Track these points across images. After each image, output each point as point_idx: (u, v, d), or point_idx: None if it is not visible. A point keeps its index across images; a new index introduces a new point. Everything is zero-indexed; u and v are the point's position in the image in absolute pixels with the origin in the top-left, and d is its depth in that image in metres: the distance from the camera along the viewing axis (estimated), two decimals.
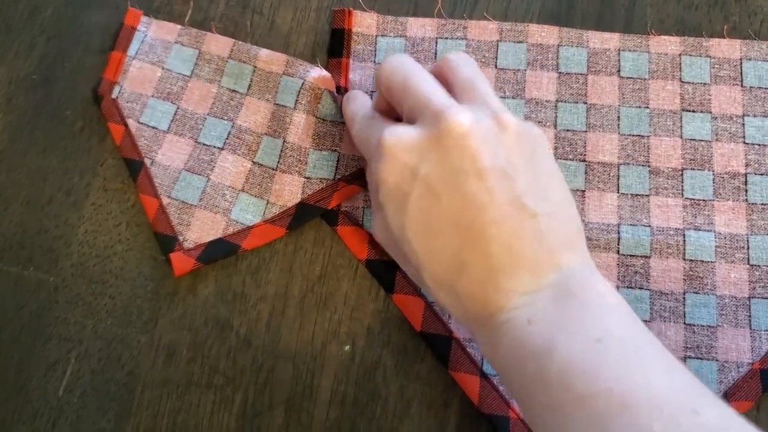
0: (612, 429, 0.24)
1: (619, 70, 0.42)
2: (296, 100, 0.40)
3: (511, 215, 0.29)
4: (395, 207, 0.31)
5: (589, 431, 0.24)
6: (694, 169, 0.40)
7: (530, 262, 0.28)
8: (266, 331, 0.37)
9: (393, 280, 0.38)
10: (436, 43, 0.43)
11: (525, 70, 0.42)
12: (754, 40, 0.42)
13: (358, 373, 0.37)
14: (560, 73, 0.42)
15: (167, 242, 0.39)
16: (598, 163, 0.40)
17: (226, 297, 0.38)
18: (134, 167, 0.40)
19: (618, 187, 0.39)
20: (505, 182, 0.29)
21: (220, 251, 0.38)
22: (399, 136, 0.31)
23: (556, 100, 0.41)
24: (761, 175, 0.39)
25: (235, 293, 0.38)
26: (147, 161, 0.40)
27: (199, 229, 0.39)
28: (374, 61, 0.42)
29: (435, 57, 0.42)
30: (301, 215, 0.39)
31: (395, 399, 0.36)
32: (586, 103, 0.41)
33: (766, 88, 0.41)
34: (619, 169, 0.40)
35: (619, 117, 0.41)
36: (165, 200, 0.39)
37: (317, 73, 0.41)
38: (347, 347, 0.37)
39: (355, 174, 0.39)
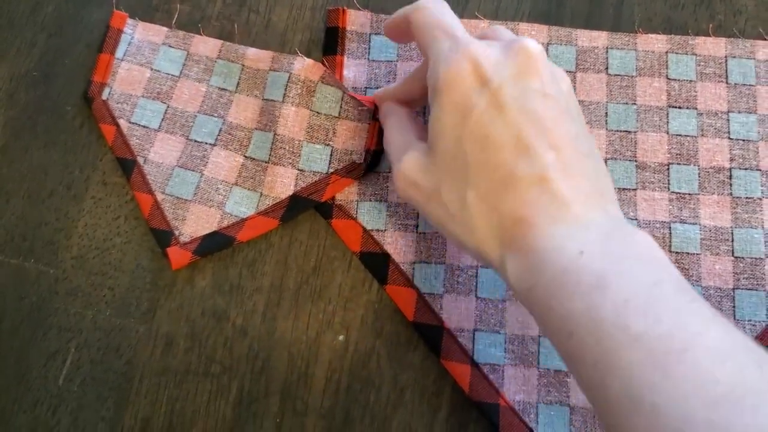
0: (671, 371, 0.23)
1: (607, 68, 0.43)
2: (284, 94, 0.41)
3: (569, 146, 0.29)
4: (456, 118, 0.30)
5: (644, 372, 0.23)
6: (680, 163, 0.41)
7: (584, 196, 0.28)
8: (262, 322, 0.38)
9: (386, 271, 0.39)
10: None
11: None
12: (739, 39, 0.43)
13: (352, 362, 0.38)
14: None
15: (163, 237, 0.39)
16: None
17: (222, 288, 0.39)
18: (127, 166, 0.41)
19: None
20: (565, 116, 0.30)
21: (215, 244, 0.39)
22: (479, 46, 0.30)
23: None
24: (745, 169, 0.40)
25: (231, 285, 0.39)
26: (140, 159, 0.41)
27: (195, 223, 0.40)
28: (368, 59, 0.43)
29: None
30: (294, 207, 0.40)
31: (388, 387, 0.37)
32: None
33: (750, 85, 0.42)
34: (606, 164, 0.41)
35: (606, 113, 0.42)
36: (159, 196, 0.40)
37: (301, 63, 0.41)
38: (341, 337, 0.38)
39: (348, 167, 0.40)
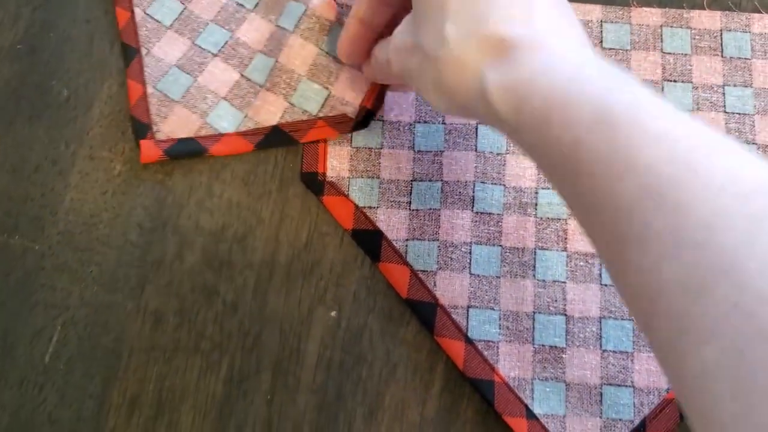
0: (697, 167, 0.21)
1: (601, 41, 0.42)
2: (296, 25, 0.41)
3: None
4: None
5: (666, 169, 0.21)
6: None
7: (574, 24, 0.28)
8: (253, 298, 0.38)
9: (379, 249, 0.39)
10: None
11: None
12: (734, 12, 0.42)
13: (345, 337, 0.37)
14: None
15: (141, 129, 0.40)
16: None
17: (212, 264, 0.38)
18: (130, 53, 0.42)
19: None
20: None
21: (188, 150, 0.40)
22: None
23: None
24: (742, 143, 0.40)
25: (221, 261, 0.38)
26: (143, 50, 0.42)
27: (174, 124, 0.40)
28: None
29: None
30: (272, 138, 0.40)
31: (381, 363, 0.37)
32: None
33: (745, 59, 0.41)
34: None
35: None
36: (149, 89, 0.41)
37: (320, 0, 0.41)
38: (333, 313, 0.37)
39: (338, 118, 0.40)
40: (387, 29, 0.36)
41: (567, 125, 0.24)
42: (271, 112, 0.40)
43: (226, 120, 0.40)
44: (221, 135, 0.40)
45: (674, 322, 0.21)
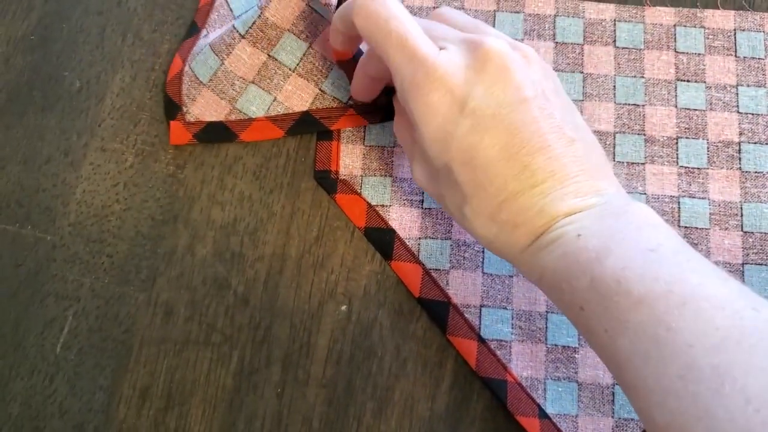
0: (673, 325, 0.24)
1: (614, 41, 0.42)
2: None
3: (555, 142, 0.29)
4: (440, 147, 0.30)
5: (649, 332, 0.24)
6: (688, 137, 0.40)
7: (575, 185, 0.29)
8: (264, 291, 0.38)
9: (391, 247, 0.38)
10: None
11: (522, 40, 0.42)
12: (748, 11, 0.42)
13: (355, 332, 0.37)
14: (557, 43, 0.42)
15: (172, 108, 0.40)
16: (595, 131, 0.40)
17: (224, 256, 0.38)
18: (192, 30, 0.42)
19: (614, 155, 0.40)
20: (545, 112, 0.29)
21: (218, 134, 0.40)
22: (443, 65, 0.29)
23: (553, 70, 0.41)
24: (755, 143, 0.40)
25: (233, 253, 0.38)
26: (204, 32, 0.41)
27: (203, 107, 0.40)
28: None
29: None
30: (303, 124, 0.40)
31: (391, 357, 0.37)
32: (582, 72, 0.41)
33: (759, 59, 0.41)
34: (615, 138, 0.40)
35: (614, 86, 0.41)
36: (186, 68, 0.40)
37: None
38: (344, 307, 0.37)
39: (369, 107, 0.40)
40: None
41: (573, 294, 0.28)
42: (302, 98, 0.39)
43: (255, 104, 0.40)
44: (251, 120, 0.40)
45: None
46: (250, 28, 0.39)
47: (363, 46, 0.39)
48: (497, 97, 0.29)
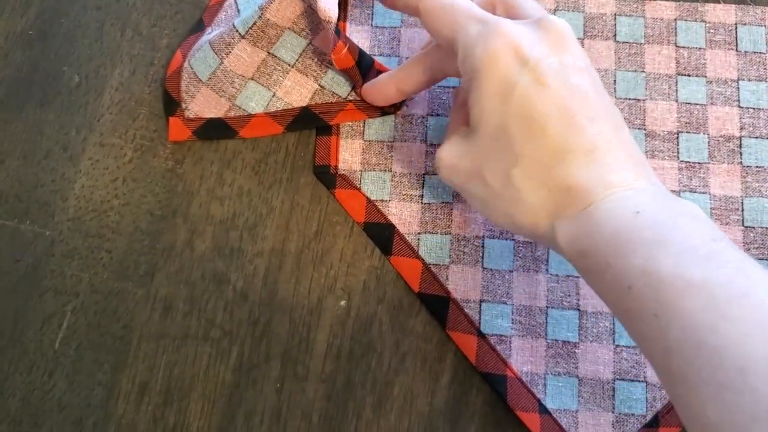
0: (733, 314, 0.23)
1: (615, 35, 0.42)
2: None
3: (609, 119, 0.29)
4: (499, 100, 0.30)
5: (705, 317, 0.23)
6: (689, 132, 0.40)
7: (630, 164, 0.29)
8: (263, 286, 0.37)
9: (391, 242, 0.38)
10: None
11: None
12: (749, 5, 0.42)
13: (354, 327, 0.37)
14: None
15: (171, 105, 0.40)
16: None
17: (223, 252, 0.38)
18: (198, 26, 0.42)
19: None
20: (599, 89, 0.30)
21: (217, 131, 0.39)
22: (511, 25, 0.30)
23: None
24: (756, 138, 0.40)
25: (232, 248, 0.38)
26: (208, 30, 0.41)
27: (202, 104, 0.39)
28: (371, 25, 0.42)
29: None
30: (302, 120, 0.39)
31: (390, 353, 0.36)
32: None
33: (760, 53, 0.41)
34: None
35: (615, 81, 0.41)
36: (185, 63, 0.40)
37: None
38: (343, 302, 0.37)
39: (367, 103, 0.39)
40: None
41: (622, 272, 0.26)
42: (301, 94, 0.39)
43: (254, 100, 0.39)
44: (251, 116, 0.39)
45: None
46: (251, 28, 0.38)
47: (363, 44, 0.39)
48: (559, 59, 0.30)
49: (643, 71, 0.41)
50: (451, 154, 0.33)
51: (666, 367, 0.25)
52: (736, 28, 0.42)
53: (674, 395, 0.25)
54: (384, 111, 0.40)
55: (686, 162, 0.39)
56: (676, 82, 0.41)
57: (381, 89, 0.37)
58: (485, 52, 0.30)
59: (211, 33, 0.40)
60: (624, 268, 0.26)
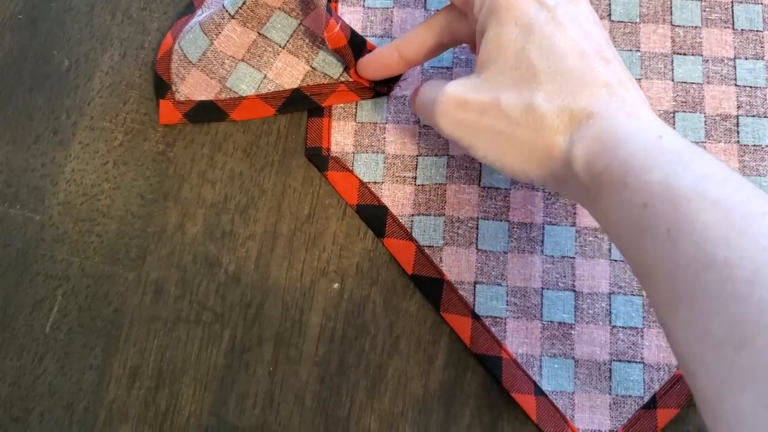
0: (748, 229, 0.23)
1: (610, 14, 0.41)
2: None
3: (619, 63, 0.31)
4: (518, 31, 0.31)
5: (719, 231, 0.23)
6: (685, 111, 0.39)
7: (642, 101, 0.30)
8: (255, 269, 0.37)
9: (384, 224, 0.38)
10: None
11: None
12: None
13: (347, 309, 0.36)
14: None
15: (161, 87, 0.39)
16: None
17: (214, 235, 0.38)
18: (189, 8, 0.42)
19: None
20: (607, 38, 0.32)
21: (208, 113, 0.39)
22: None
23: None
24: (753, 116, 0.39)
25: (223, 231, 0.38)
26: (199, 11, 0.41)
27: (192, 86, 0.39)
28: (363, 5, 0.42)
29: (425, 4, 0.42)
30: (294, 102, 0.39)
31: (384, 335, 0.36)
32: None
33: (757, 31, 0.41)
34: None
35: None
36: (175, 45, 0.39)
37: None
38: (336, 285, 0.37)
39: (360, 84, 0.39)
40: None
41: (639, 189, 0.26)
42: (293, 76, 0.39)
43: (245, 82, 0.39)
44: (242, 98, 0.39)
45: (717, 371, 0.23)
46: (240, 8, 0.38)
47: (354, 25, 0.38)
48: (573, 7, 0.31)
49: (639, 50, 0.41)
50: (462, 89, 0.32)
51: (670, 289, 0.25)
52: (732, 6, 0.41)
53: (679, 314, 0.25)
54: (376, 92, 0.39)
55: None
56: (672, 61, 0.40)
57: (380, 58, 0.37)
58: None
59: (201, 14, 0.40)
60: (642, 185, 0.26)
